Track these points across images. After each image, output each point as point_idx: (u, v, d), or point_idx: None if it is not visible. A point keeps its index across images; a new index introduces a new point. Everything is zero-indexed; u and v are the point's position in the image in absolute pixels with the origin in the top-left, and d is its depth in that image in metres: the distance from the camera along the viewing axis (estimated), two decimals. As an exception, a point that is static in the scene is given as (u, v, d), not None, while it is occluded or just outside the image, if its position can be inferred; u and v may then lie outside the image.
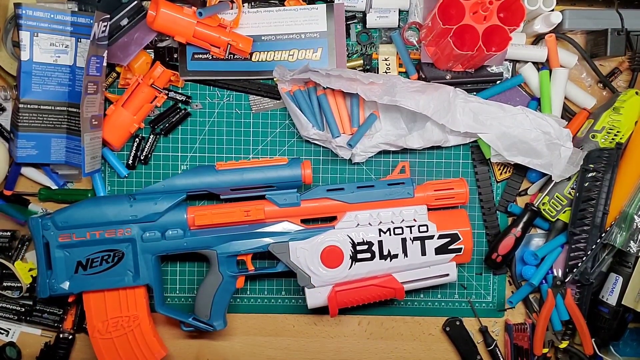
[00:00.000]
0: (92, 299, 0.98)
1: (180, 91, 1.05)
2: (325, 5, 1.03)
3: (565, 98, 1.07)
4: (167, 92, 1.04)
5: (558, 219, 1.05)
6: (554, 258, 1.06)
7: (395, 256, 0.99)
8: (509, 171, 1.08)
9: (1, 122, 1.05)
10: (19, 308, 1.06)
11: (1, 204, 1.04)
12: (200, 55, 1.04)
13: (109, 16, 0.96)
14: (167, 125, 1.06)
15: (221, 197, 1.01)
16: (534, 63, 1.06)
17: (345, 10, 1.05)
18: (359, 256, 0.98)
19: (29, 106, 0.99)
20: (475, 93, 1.06)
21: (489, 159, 1.03)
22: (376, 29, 1.07)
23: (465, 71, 1.04)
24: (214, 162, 1.06)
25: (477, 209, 1.09)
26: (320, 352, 1.11)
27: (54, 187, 1.06)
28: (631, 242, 0.99)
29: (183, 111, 1.06)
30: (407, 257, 0.99)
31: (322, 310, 1.04)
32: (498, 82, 1.06)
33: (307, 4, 1.04)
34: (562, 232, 1.06)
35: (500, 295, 1.10)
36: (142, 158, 1.06)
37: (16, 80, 1.00)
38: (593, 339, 1.03)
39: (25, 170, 1.05)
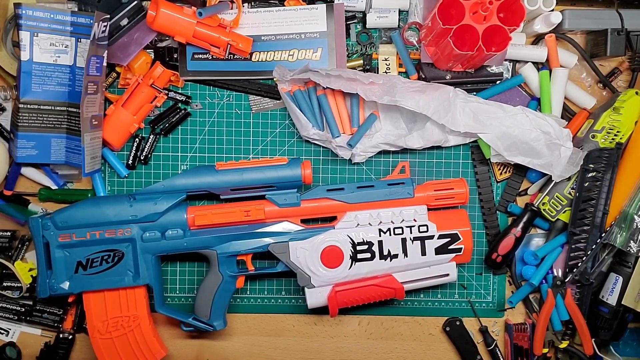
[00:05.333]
0: (92, 299, 0.98)
1: (180, 91, 1.05)
2: (325, 5, 1.03)
3: (565, 98, 1.07)
4: (167, 92, 1.04)
5: (558, 219, 1.05)
6: (554, 258, 1.06)
7: (395, 256, 0.99)
8: (509, 171, 1.08)
9: (1, 122, 1.05)
10: (19, 308, 1.06)
11: (1, 204, 1.04)
12: (200, 55, 1.04)
13: (109, 16, 0.96)
14: (167, 125, 1.06)
15: (221, 197, 1.01)
16: (534, 63, 1.06)
17: (345, 10, 1.05)
18: (359, 256, 0.98)
19: (29, 106, 0.99)
20: (475, 93, 1.06)
21: (489, 159, 1.03)
22: (376, 29, 1.07)
23: (465, 71, 1.04)
24: (214, 162, 1.06)
25: (477, 209, 1.09)
26: (320, 352, 1.11)
27: (54, 187, 1.06)
28: (631, 242, 0.99)
29: (183, 111, 1.06)
30: (407, 257, 0.99)
31: (322, 310, 1.04)
32: (498, 82, 1.06)
33: (307, 4, 1.04)
34: (562, 232, 1.06)
35: (500, 295, 1.10)
36: (142, 158, 1.06)
37: (16, 80, 1.00)
38: (593, 339, 1.03)
39: (25, 170, 1.05)
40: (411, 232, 0.99)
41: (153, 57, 1.05)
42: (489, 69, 1.05)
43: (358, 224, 0.99)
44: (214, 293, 1.00)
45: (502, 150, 1.00)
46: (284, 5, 1.04)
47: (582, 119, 1.06)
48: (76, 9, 0.99)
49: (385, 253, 0.99)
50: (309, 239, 0.98)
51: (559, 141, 0.99)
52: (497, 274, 1.10)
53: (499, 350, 1.10)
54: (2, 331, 1.08)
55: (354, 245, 0.98)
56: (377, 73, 1.06)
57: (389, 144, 1.03)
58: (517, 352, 1.08)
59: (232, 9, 1.03)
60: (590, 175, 1.01)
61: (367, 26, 1.05)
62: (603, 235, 1.00)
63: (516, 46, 1.05)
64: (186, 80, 1.06)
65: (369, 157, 1.05)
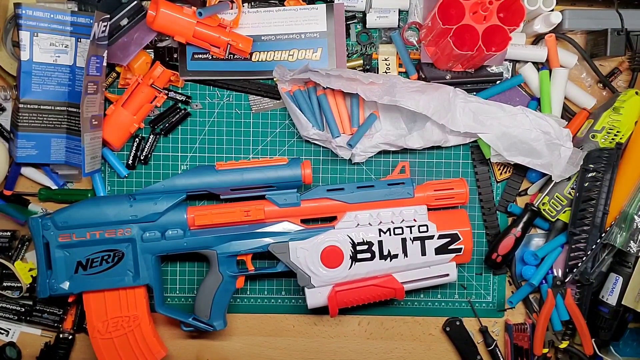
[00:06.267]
0: (92, 299, 0.98)
1: (180, 91, 1.05)
2: (325, 5, 1.03)
3: (565, 98, 1.07)
4: (167, 92, 1.04)
5: (558, 219, 1.05)
6: (554, 258, 1.06)
7: (395, 256, 0.99)
8: (509, 171, 1.08)
9: (1, 122, 1.05)
10: (19, 308, 1.06)
11: (1, 204, 1.04)
12: (200, 55, 1.04)
13: (109, 16, 0.96)
14: (167, 125, 1.06)
15: (221, 197, 1.01)
16: (534, 63, 1.06)
17: (345, 10, 1.05)
18: (359, 256, 0.98)
19: (29, 106, 0.99)
20: (475, 93, 1.06)
21: (489, 159, 1.03)
22: (376, 29, 1.07)
23: (465, 71, 1.04)
24: (214, 162, 1.05)
25: (477, 209, 1.09)
26: (320, 352, 1.11)
27: (54, 187, 1.06)
28: (631, 242, 0.99)
29: (183, 111, 1.06)
30: (407, 257, 0.99)
31: (322, 310, 1.04)
32: (498, 82, 1.06)
33: (307, 4, 1.04)
34: (562, 232, 1.06)
35: (500, 295, 1.10)
36: (142, 158, 1.06)
37: (16, 80, 1.00)
38: (593, 339, 1.03)
39: (25, 170, 1.05)
40: (411, 232, 0.99)
41: (153, 57, 1.05)
42: (489, 69, 1.05)
43: (358, 224, 0.99)
44: (214, 293, 1.00)
45: (502, 150, 1.00)
46: (284, 5, 1.04)
47: (582, 119, 1.06)
48: (76, 9, 0.99)
49: (385, 253, 0.99)
50: (309, 239, 0.98)
51: (559, 141, 0.99)
52: (497, 274, 1.10)
53: (499, 350, 1.10)
54: (2, 331, 1.08)
55: (354, 245, 0.98)
56: (377, 73, 1.06)
57: (389, 144, 1.03)
58: (517, 352, 1.08)
59: (232, 9, 1.03)
60: (590, 175, 1.01)
61: (367, 26, 1.05)
62: (603, 235, 1.00)
63: (516, 46, 1.05)
64: (186, 80, 1.06)
65: (369, 157, 1.05)
